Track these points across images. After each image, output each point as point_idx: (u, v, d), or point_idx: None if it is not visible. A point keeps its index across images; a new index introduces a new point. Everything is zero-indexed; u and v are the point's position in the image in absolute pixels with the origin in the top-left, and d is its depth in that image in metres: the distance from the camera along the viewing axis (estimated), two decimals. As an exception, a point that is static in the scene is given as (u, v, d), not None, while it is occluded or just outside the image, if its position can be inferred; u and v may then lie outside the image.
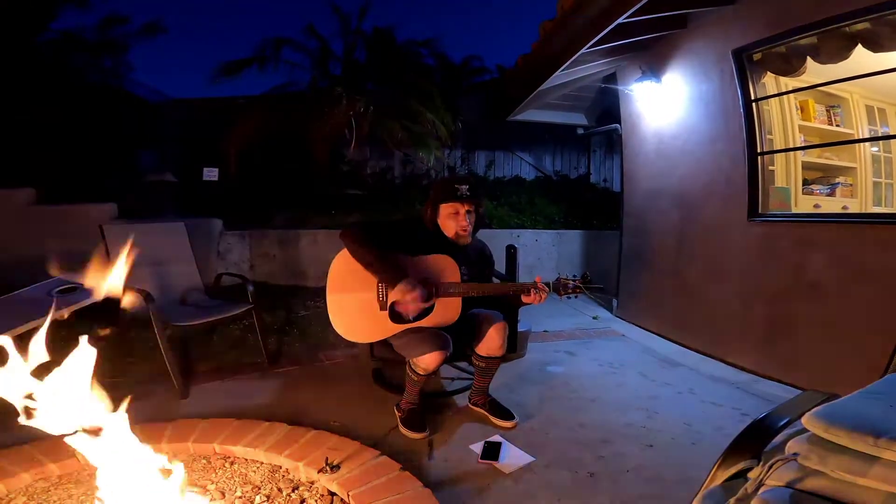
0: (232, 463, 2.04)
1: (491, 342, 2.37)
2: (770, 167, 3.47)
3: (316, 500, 1.79)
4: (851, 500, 0.92)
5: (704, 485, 1.11)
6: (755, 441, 1.13)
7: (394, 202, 6.20)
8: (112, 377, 2.82)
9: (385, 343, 2.35)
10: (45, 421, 1.30)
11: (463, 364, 2.99)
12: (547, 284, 2.26)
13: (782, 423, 1.17)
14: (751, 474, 1.05)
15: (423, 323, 2.28)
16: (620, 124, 4.73)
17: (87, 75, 6.56)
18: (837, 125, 3.88)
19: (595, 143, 8.14)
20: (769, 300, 3.25)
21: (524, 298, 2.26)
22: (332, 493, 1.83)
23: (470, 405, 2.61)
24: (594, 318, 4.71)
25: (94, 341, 1.36)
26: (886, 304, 2.59)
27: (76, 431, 1.36)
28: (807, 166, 3.88)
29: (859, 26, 2.71)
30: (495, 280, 2.68)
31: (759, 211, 3.36)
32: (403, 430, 2.35)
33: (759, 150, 3.36)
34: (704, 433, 2.42)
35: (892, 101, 3.97)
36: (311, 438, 2.13)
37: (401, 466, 1.93)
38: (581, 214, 6.88)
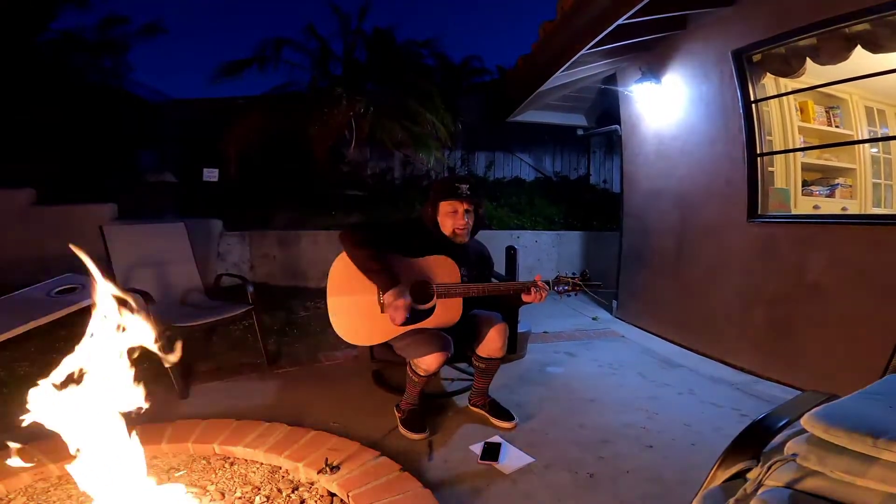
0: (232, 463, 2.04)
1: (491, 343, 2.37)
2: (769, 168, 3.47)
3: (316, 501, 1.79)
4: (850, 501, 0.92)
5: (704, 485, 1.11)
6: (754, 442, 1.13)
7: (394, 203, 6.21)
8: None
9: (385, 344, 2.35)
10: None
11: (463, 365, 2.99)
12: (546, 283, 2.27)
13: (781, 423, 1.17)
14: (750, 475, 1.06)
15: (425, 324, 2.28)
16: (620, 125, 4.73)
17: (87, 75, 6.57)
18: (837, 126, 3.89)
19: (595, 144, 8.15)
20: (769, 301, 3.26)
21: (524, 297, 2.26)
22: (332, 494, 1.84)
23: (470, 406, 2.61)
24: (594, 318, 4.71)
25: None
26: (885, 304, 2.60)
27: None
28: (806, 167, 3.88)
29: (859, 27, 2.72)
30: (495, 281, 2.69)
31: (759, 212, 3.37)
32: (403, 431, 2.35)
33: (758, 152, 3.36)
34: (704, 434, 2.42)
35: (891, 102, 3.98)
36: (311, 439, 2.13)
37: (401, 467, 1.93)
38: (581, 215, 6.88)
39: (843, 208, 3.87)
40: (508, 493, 1.94)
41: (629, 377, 3.22)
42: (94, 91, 6.36)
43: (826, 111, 3.89)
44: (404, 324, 2.24)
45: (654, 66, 4.05)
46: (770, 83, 3.52)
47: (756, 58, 3.32)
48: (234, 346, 3.47)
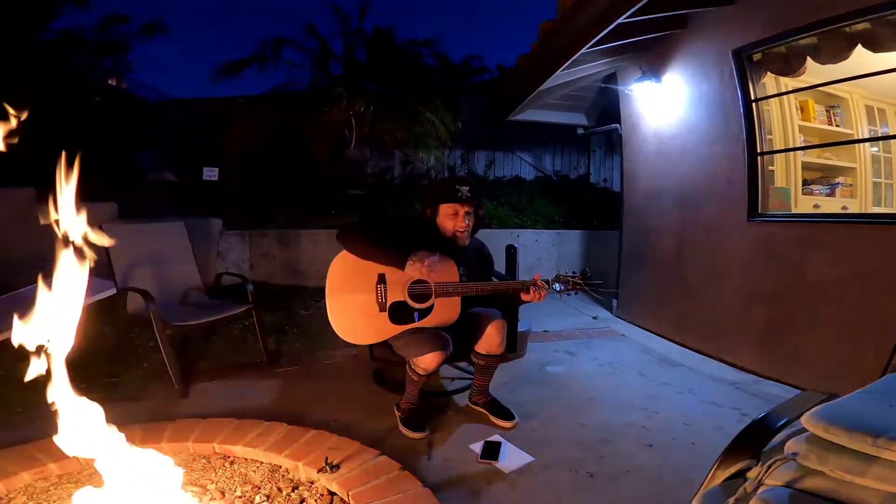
0: (232, 462, 2.04)
1: (490, 340, 2.37)
2: (770, 167, 3.47)
3: (316, 500, 1.79)
4: (850, 500, 0.92)
5: (703, 484, 1.11)
6: (754, 441, 1.13)
7: (394, 202, 6.21)
8: (112, 377, 2.83)
9: (385, 344, 2.35)
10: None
11: (463, 364, 2.99)
12: (546, 282, 2.27)
13: (781, 422, 1.17)
14: (750, 474, 1.06)
15: (423, 323, 2.28)
16: (620, 124, 4.73)
17: (88, 75, 6.57)
18: (837, 125, 3.88)
19: (595, 143, 8.15)
20: (769, 300, 3.26)
21: (524, 296, 2.26)
22: (332, 493, 1.83)
23: (470, 405, 2.61)
24: (594, 317, 4.71)
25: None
26: (885, 304, 2.59)
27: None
28: (806, 166, 3.88)
29: (859, 26, 2.71)
30: (495, 280, 2.68)
31: (759, 211, 3.36)
32: (403, 430, 2.35)
33: (758, 151, 3.36)
34: (704, 433, 2.42)
35: (891, 101, 3.97)
36: (311, 438, 2.13)
37: (400, 466, 1.93)
38: (581, 214, 6.88)
39: (844, 207, 3.87)
40: (508, 492, 1.94)
41: (629, 376, 3.22)
42: (94, 91, 6.37)
43: (826, 110, 3.88)
44: (404, 322, 2.24)
45: (654, 65, 4.05)
46: (770, 82, 3.51)
47: (756, 57, 3.31)
48: (234, 345, 3.47)
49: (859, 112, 3.87)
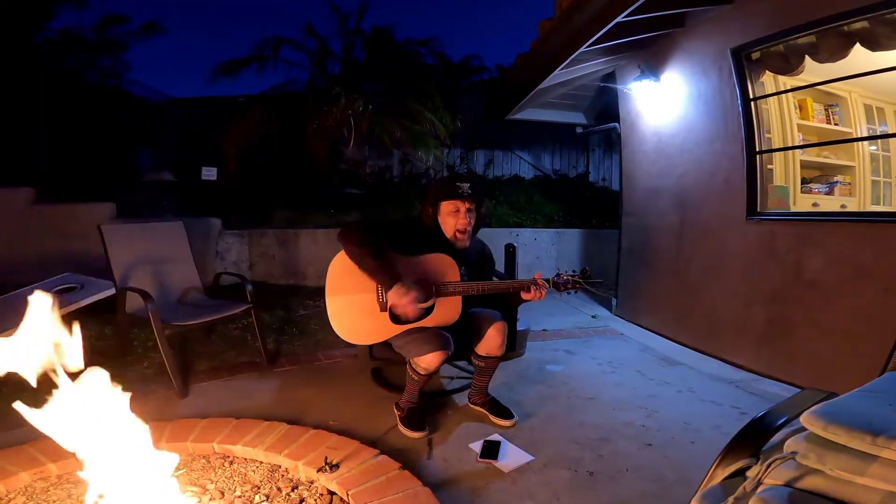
0: (231, 462, 2.04)
1: (490, 341, 2.37)
2: (769, 166, 3.47)
3: (315, 500, 1.79)
4: (850, 499, 0.92)
5: (703, 483, 1.12)
6: (754, 440, 1.13)
7: (393, 201, 6.21)
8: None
9: (385, 343, 2.34)
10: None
11: (462, 363, 2.99)
12: (546, 281, 2.26)
13: (781, 421, 1.17)
14: (749, 473, 1.05)
15: (424, 323, 2.28)
16: (619, 123, 4.73)
17: (86, 75, 6.56)
18: (836, 124, 3.89)
19: (594, 141, 8.15)
20: (768, 299, 3.26)
21: (524, 295, 2.26)
22: (332, 493, 1.84)
23: (469, 404, 2.61)
24: (593, 316, 4.71)
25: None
26: (885, 302, 2.60)
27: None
28: (805, 165, 3.88)
29: (858, 25, 2.71)
30: (495, 279, 2.68)
31: (758, 209, 3.37)
32: (403, 429, 2.35)
33: (757, 149, 3.36)
34: (703, 432, 2.42)
35: (890, 99, 3.98)
36: (311, 438, 2.13)
37: (400, 465, 1.93)
38: (580, 213, 6.89)
39: (843, 206, 3.87)
40: (507, 491, 1.94)
41: (628, 375, 3.23)
42: (93, 90, 6.36)
43: (825, 109, 3.89)
44: (405, 322, 2.24)
45: (652, 64, 4.05)
46: (769, 81, 3.52)
47: (755, 55, 3.32)
48: (233, 344, 3.47)
49: (858, 110, 3.88)
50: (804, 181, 3.88)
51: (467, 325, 2.39)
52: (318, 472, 1.88)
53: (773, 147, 3.53)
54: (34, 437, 1.94)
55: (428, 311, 2.28)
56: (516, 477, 2.03)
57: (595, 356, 3.57)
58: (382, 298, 2.27)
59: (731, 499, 1.00)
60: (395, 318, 2.28)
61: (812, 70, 3.15)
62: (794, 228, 3.21)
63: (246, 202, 5.79)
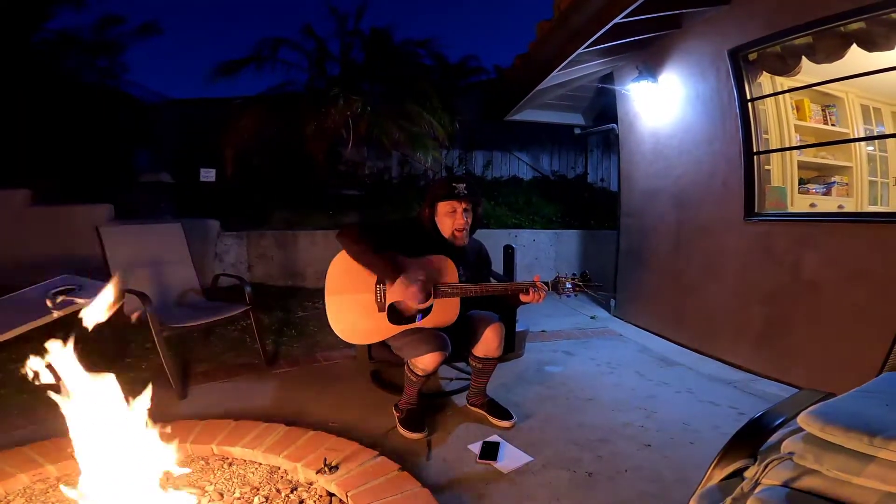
0: (230, 464, 2.03)
1: (488, 343, 2.37)
2: (766, 167, 3.48)
3: (314, 501, 1.79)
4: (847, 500, 0.93)
5: (701, 484, 1.12)
6: (751, 440, 1.14)
7: (391, 202, 6.20)
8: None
9: (383, 344, 2.35)
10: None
11: (461, 364, 2.99)
12: (546, 283, 2.27)
13: (778, 422, 1.17)
14: (747, 473, 1.06)
15: (422, 324, 2.28)
16: (617, 124, 4.73)
17: (83, 75, 6.55)
18: (833, 124, 3.90)
19: (592, 142, 8.16)
20: (766, 299, 3.27)
21: (523, 298, 2.26)
22: (331, 494, 1.83)
23: (468, 405, 2.61)
24: (592, 317, 4.72)
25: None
26: (882, 302, 2.61)
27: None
28: (803, 166, 3.89)
29: (854, 26, 2.72)
30: (493, 280, 2.68)
31: (756, 210, 3.38)
32: (402, 431, 2.35)
33: (755, 150, 3.37)
34: (702, 432, 2.43)
35: (887, 100, 3.99)
36: (310, 439, 2.13)
37: (399, 467, 1.93)
38: (578, 214, 6.90)
39: (840, 206, 3.88)
40: (507, 492, 1.94)
41: (627, 376, 3.23)
42: (90, 91, 6.35)
43: (822, 109, 3.90)
44: (403, 322, 2.24)
45: (650, 65, 4.05)
46: (766, 82, 3.52)
47: (752, 56, 3.33)
48: (232, 346, 3.46)
49: (855, 111, 3.89)
50: (801, 182, 3.89)
51: (464, 326, 2.40)
52: (317, 473, 1.88)
53: (771, 148, 3.54)
54: (33, 438, 1.94)
55: (426, 312, 2.28)
56: (515, 478, 2.03)
57: (594, 357, 3.58)
58: (381, 298, 2.27)
59: (728, 499, 1.00)
60: (394, 319, 2.29)
61: (809, 71, 3.17)
62: (791, 229, 3.22)
63: (244, 203, 5.78)
